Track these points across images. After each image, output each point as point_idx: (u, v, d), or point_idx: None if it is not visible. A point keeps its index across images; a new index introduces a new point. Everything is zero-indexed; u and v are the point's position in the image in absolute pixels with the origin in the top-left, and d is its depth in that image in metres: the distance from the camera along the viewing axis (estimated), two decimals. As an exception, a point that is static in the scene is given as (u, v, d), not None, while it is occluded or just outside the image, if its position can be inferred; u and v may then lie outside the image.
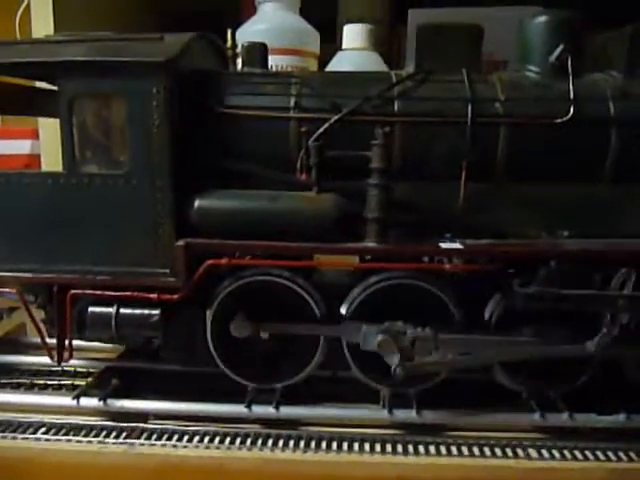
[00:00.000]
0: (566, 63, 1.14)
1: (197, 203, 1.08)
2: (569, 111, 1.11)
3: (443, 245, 1.08)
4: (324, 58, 1.97)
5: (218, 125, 1.13)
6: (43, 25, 1.72)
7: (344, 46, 1.87)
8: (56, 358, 1.20)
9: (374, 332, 1.11)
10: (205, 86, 1.15)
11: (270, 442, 1.15)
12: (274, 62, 1.73)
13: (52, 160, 1.80)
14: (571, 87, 1.12)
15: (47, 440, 1.15)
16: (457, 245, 1.08)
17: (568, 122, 1.11)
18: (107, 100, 1.07)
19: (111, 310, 1.14)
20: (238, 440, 1.15)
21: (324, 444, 1.14)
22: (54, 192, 1.09)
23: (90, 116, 1.07)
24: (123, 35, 1.10)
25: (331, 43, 2.13)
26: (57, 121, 1.74)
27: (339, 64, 1.83)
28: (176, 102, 1.06)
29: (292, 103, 1.13)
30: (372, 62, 1.82)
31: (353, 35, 1.85)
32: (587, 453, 1.12)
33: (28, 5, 1.77)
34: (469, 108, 1.11)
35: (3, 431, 1.17)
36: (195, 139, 1.11)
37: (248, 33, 1.76)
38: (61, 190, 1.09)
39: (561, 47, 1.14)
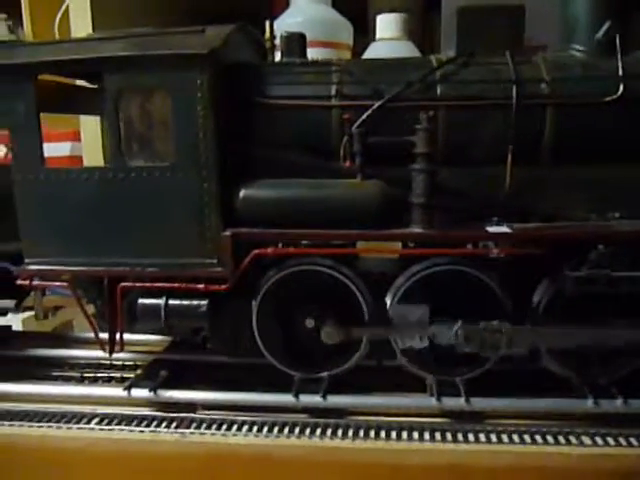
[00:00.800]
0: (613, 40, 1.11)
1: (242, 193, 1.09)
2: (618, 89, 1.08)
3: (490, 229, 1.06)
4: (356, 50, 1.97)
5: (261, 116, 1.13)
6: (82, 27, 1.76)
7: (378, 36, 1.86)
8: (108, 350, 1.22)
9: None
10: (247, 77, 1.15)
11: (318, 431, 1.15)
12: (309, 55, 1.73)
13: (93, 161, 1.84)
14: (619, 64, 1.09)
15: (101, 430, 1.17)
16: (505, 229, 1.06)
17: (617, 100, 1.08)
18: (152, 93, 1.08)
19: (160, 301, 1.15)
20: (286, 429, 1.16)
21: (372, 433, 1.14)
22: (102, 186, 1.11)
23: (135, 110, 1.09)
24: (165, 29, 1.11)
25: (363, 35, 2.12)
26: (97, 122, 1.79)
27: (374, 54, 1.83)
28: (219, 93, 1.07)
29: (333, 91, 1.13)
30: (407, 51, 1.81)
31: (387, 25, 1.84)
32: (644, 440, 1.09)
33: (67, 8, 1.81)
34: (514, 90, 1.09)
35: (58, 421, 1.20)
36: (238, 130, 1.12)
37: (283, 26, 1.74)
38: (109, 184, 1.11)
39: (608, 24, 1.11)
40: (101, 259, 1.14)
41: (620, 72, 1.09)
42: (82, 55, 1.07)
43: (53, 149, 2.19)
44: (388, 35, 1.84)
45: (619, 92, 1.08)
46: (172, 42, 1.06)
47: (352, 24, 1.94)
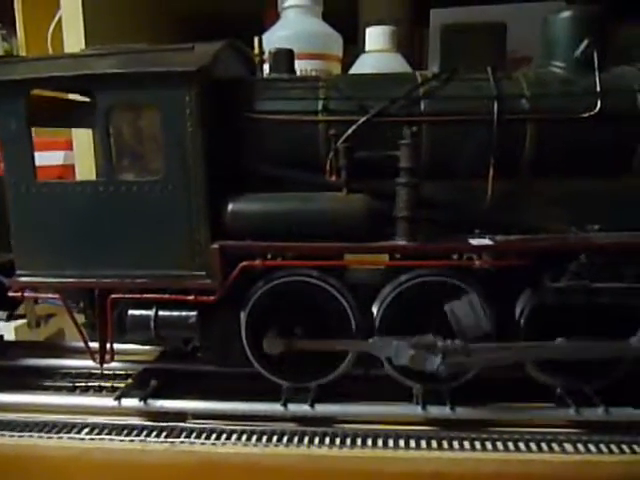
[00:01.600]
0: (592, 57, 1.14)
1: (230, 207, 1.11)
2: (596, 105, 1.11)
3: (473, 242, 1.09)
4: (346, 61, 2.00)
5: (248, 130, 1.15)
6: (75, 39, 1.79)
7: (367, 48, 1.89)
8: (98, 360, 1.23)
9: (404, 347, 1.13)
10: (235, 92, 1.18)
11: (306, 439, 1.17)
12: (298, 67, 1.75)
13: (86, 170, 1.86)
14: (597, 81, 1.12)
15: (91, 440, 1.19)
16: (487, 241, 1.09)
17: (595, 116, 1.11)
18: (142, 109, 1.10)
19: (150, 313, 1.17)
20: (275, 438, 1.18)
21: (359, 441, 1.16)
22: (93, 200, 1.13)
23: (126, 126, 1.11)
24: (155, 47, 1.14)
25: (353, 45, 2.15)
26: (90, 131, 1.81)
27: (362, 67, 1.85)
28: (208, 109, 1.09)
29: (320, 106, 1.16)
30: (395, 64, 1.83)
31: (376, 37, 1.87)
32: (624, 447, 1.12)
33: (59, 21, 1.83)
34: (495, 105, 1.12)
35: (49, 431, 1.22)
36: (227, 145, 1.15)
37: (273, 39, 1.79)
38: (100, 198, 1.12)
39: (586, 41, 1.14)
40: (92, 271, 1.15)
41: (598, 88, 1.11)
42: (73, 72, 1.09)
43: (46, 158, 2.20)
44: (377, 47, 1.86)
45: (597, 108, 1.11)
46: (162, 59, 1.09)
47: (342, 35, 1.96)
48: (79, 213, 1.14)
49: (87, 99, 1.35)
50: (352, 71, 1.84)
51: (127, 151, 1.13)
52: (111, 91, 1.08)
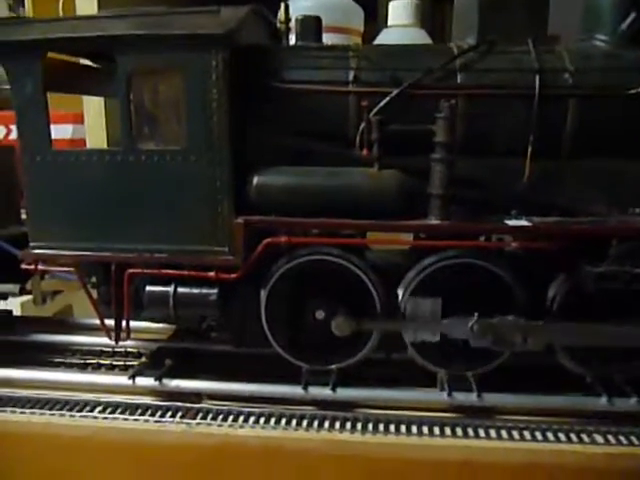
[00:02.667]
0: (638, 31, 1.08)
1: (256, 179, 1.06)
2: (642, 82, 1.05)
3: (509, 222, 1.04)
4: (366, 36, 1.94)
5: (275, 100, 1.10)
6: (87, 4, 1.72)
7: (390, 23, 1.83)
8: (114, 338, 1.19)
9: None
10: (262, 60, 1.12)
11: (327, 424, 1.13)
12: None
13: (96, 143, 1.81)
14: (644, 56, 1.06)
15: (104, 419, 1.15)
16: (524, 222, 1.04)
17: (641, 93, 1.05)
18: (165, 75, 1.05)
19: (169, 289, 1.13)
20: (294, 421, 1.14)
21: (381, 426, 1.13)
22: (111, 170, 1.08)
23: (148, 92, 1.05)
24: (178, 9, 1.07)
25: (373, 21, 2.09)
26: (101, 104, 1.75)
27: (385, 41, 1.79)
28: (234, 76, 1.04)
29: (351, 77, 1.10)
30: (418, 38, 1.78)
31: (399, 11, 1.81)
32: (657, 438, 1.08)
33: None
34: (536, 79, 1.06)
35: (61, 409, 1.18)
36: (253, 115, 1.09)
37: (295, 10, 1.72)
38: (118, 167, 1.07)
39: (633, 15, 1.09)
40: (109, 244, 1.11)
41: (645, 64, 1.06)
42: (92, 33, 1.03)
43: (55, 131, 2.15)
44: (400, 22, 1.80)
45: (644, 85, 1.05)
46: (186, 22, 1.03)
47: (363, 9, 1.90)
48: (96, 183, 1.09)
49: (99, 66, 1.30)
50: (375, 45, 1.78)
51: (148, 119, 1.07)
52: (133, 54, 1.02)
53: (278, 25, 1.28)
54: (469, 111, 1.09)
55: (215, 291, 1.12)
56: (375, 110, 1.06)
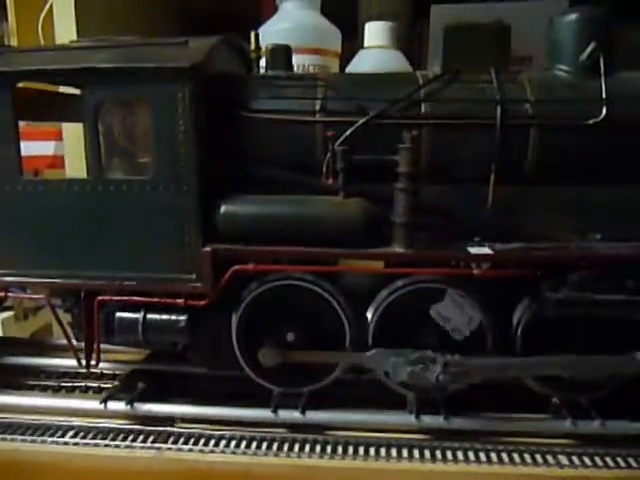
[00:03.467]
0: (598, 62, 1.11)
1: (223, 208, 1.08)
2: (601, 112, 1.08)
3: (472, 250, 1.06)
4: (345, 56, 1.96)
5: (243, 130, 1.12)
6: (66, 29, 1.73)
7: (366, 44, 1.85)
8: (84, 363, 1.20)
9: (402, 363, 1.10)
10: (230, 90, 1.14)
11: (297, 447, 1.14)
12: (296, 61, 1.71)
13: (75, 161, 1.81)
14: (603, 87, 1.09)
15: (75, 444, 1.16)
16: (486, 250, 1.06)
17: (600, 123, 1.08)
18: (132, 106, 1.07)
19: (138, 316, 1.14)
20: (264, 445, 1.15)
21: (351, 449, 1.14)
22: (81, 199, 1.09)
23: (116, 122, 1.07)
24: (148, 40, 1.10)
25: (352, 41, 2.11)
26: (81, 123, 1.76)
27: (361, 63, 1.81)
28: (201, 107, 1.06)
29: (318, 106, 1.12)
30: (394, 60, 1.79)
31: (375, 33, 1.82)
32: (619, 460, 1.10)
33: (51, 8, 1.78)
34: (498, 110, 1.09)
35: (32, 434, 1.19)
36: (221, 144, 1.11)
37: (269, 33, 1.75)
38: (88, 196, 1.09)
39: (593, 45, 1.11)
40: (78, 272, 1.12)
41: (604, 95, 1.08)
42: (61, 65, 1.04)
43: (36, 148, 2.16)
44: (376, 43, 1.82)
45: (602, 115, 1.08)
46: (154, 54, 1.05)
47: (342, 29, 1.92)
48: (66, 212, 1.10)
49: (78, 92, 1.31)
50: (350, 67, 1.80)
51: (117, 149, 1.09)
52: (100, 86, 1.04)
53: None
54: (433, 140, 1.11)
55: (184, 317, 1.13)
56: (340, 140, 1.08)
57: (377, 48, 1.82)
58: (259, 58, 1.27)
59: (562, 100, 1.10)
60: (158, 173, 1.06)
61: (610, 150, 1.10)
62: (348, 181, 1.08)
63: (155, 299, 1.12)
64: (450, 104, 1.11)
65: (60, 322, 1.19)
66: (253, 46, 1.25)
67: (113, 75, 1.03)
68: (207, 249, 1.07)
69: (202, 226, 1.07)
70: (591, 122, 1.08)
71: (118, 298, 1.13)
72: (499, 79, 1.12)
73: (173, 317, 1.13)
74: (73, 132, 1.78)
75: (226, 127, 1.11)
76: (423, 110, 1.11)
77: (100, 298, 1.13)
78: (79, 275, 1.12)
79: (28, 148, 2.17)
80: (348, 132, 1.08)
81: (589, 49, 1.12)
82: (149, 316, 1.14)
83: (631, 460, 1.10)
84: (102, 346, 1.30)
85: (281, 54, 1.21)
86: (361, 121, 1.09)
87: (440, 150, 1.11)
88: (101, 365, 1.41)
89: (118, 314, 1.14)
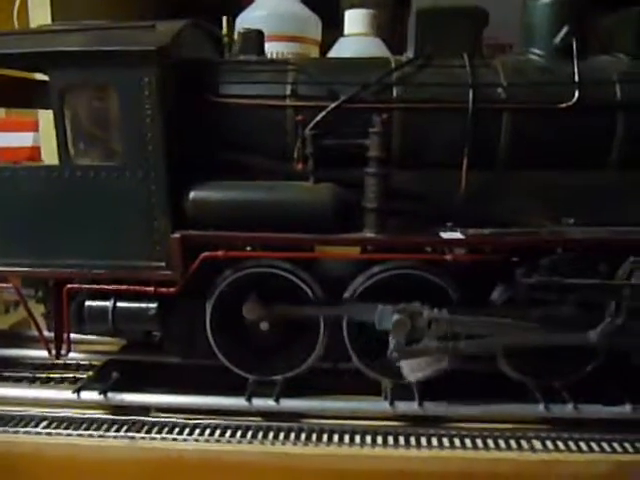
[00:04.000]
0: (571, 46, 1.10)
1: (192, 195, 1.06)
2: (573, 95, 1.07)
3: (444, 235, 1.05)
4: (328, 44, 1.94)
5: (213, 115, 1.10)
6: (41, 14, 1.71)
7: (346, 32, 1.84)
8: (54, 352, 1.19)
9: (390, 312, 1.09)
10: (199, 75, 1.12)
11: (271, 435, 1.14)
12: (274, 49, 1.70)
13: (52, 151, 1.79)
14: (576, 70, 1.08)
15: (48, 434, 1.15)
16: (458, 235, 1.05)
17: (572, 107, 1.07)
18: (99, 91, 1.05)
19: (108, 304, 1.13)
20: (239, 433, 1.15)
21: (325, 437, 1.13)
22: (48, 186, 1.08)
23: (82, 107, 1.05)
24: (115, 24, 1.08)
25: (335, 29, 2.09)
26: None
27: (341, 50, 1.80)
28: (169, 91, 1.04)
29: (288, 91, 1.11)
30: (374, 48, 1.78)
31: (355, 21, 1.82)
32: (592, 444, 1.10)
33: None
34: (470, 94, 1.08)
35: (5, 425, 1.17)
36: (190, 129, 1.09)
37: (248, 20, 1.73)
38: (55, 183, 1.07)
39: (565, 29, 1.10)
40: (47, 260, 1.10)
41: (576, 78, 1.08)
42: (25, 49, 1.03)
43: (15, 139, 2.13)
44: (356, 31, 1.81)
45: (574, 98, 1.07)
46: (120, 38, 1.03)
47: (324, 18, 1.90)
48: (33, 199, 1.08)
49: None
50: (330, 55, 1.79)
51: (83, 134, 1.07)
52: (65, 70, 1.02)
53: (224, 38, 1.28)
54: (405, 124, 1.10)
55: (154, 305, 1.12)
56: (311, 125, 1.07)
57: (357, 36, 1.81)
58: (231, 43, 1.25)
59: (534, 84, 1.09)
60: (125, 159, 1.04)
61: (582, 133, 1.09)
62: (318, 166, 1.07)
63: (124, 287, 1.10)
64: (422, 88, 1.10)
65: (29, 311, 1.17)
66: (225, 31, 1.24)
67: (78, 59, 1.01)
68: (176, 235, 1.06)
69: (171, 212, 1.06)
70: (563, 105, 1.07)
71: (87, 286, 1.11)
72: (472, 63, 1.11)
73: (143, 305, 1.12)
74: (49, 122, 1.76)
75: (195, 112, 1.10)
76: (395, 94, 1.10)
77: (69, 286, 1.11)
78: (48, 263, 1.10)
79: (6, 139, 2.15)
80: (319, 117, 1.07)
81: (562, 33, 1.11)
82: (119, 304, 1.13)
83: (604, 444, 1.10)
84: (79, 337, 1.30)
85: (253, 39, 1.19)
86: (332, 105, 1.08)
87: (412, 134, 1.10)
88: (77, 356, 1.42)
89: (88, 303, 1.13)
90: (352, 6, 1.90)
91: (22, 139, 2.14)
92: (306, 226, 1.05)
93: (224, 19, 1.24)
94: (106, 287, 1.11)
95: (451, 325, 1.06)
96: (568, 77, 1.09)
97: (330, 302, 1.14)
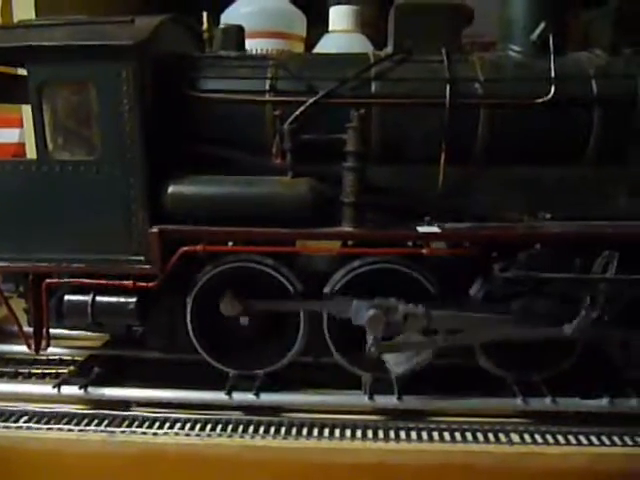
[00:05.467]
0: (548, 42, 1.11)
1: (171, 189, 1.07)
2: (550, 91, 1.08)
3: (420, 229, 1.06)
4: (312, 41, 1.94)
5: (192, 109, 1.11)
6: (25, 10, 1.70)
7: (330, 28, 1.85)
8: (33, 347, 1.19)
9: (365, 307, 1.10)
10: (178, 70, 1.13)
11: (251, 429, 1.14)
12: (259, 45, 1.70)
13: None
14: (552, 66, 1.09)
15: (28, 428, 1.15)
16: (434, 229, 1.06)
17: (549, 102, 1.08)
18: (77, 85, 1.04)
19: (87, 298, 1.13)
20: (219, 427, 1.15)
21: (305, 431, 1.14)
22: (27, 180, 1.08)
23: (60, 102, 1.05)
24: (94, 19, 1.08)
25: (321, 26, 2.09)
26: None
27: (325, 47, 1.81)
28: (147, 86, 1.04)
29: (267, 86, 1.11)
30: (358, 44, 1.79)
31: (339, 17, 1.82)
32: (570, 437, 1.11)
33: None
34: (447, 89, 1.08)
35: (-15, 420, 1.18)
36: (169, 124, 1.10)
37: (233, 16, 1.73)
38: (33, 178, 1.07)
39: (542, 25, 1.11)
40: (26, 254, 1.10)
41: (552, 74, 1.08)
42: (5, 44, 1.03)
43: (1, 135, 2.13)
44: (340, 27, 1.82)
45: (550, 94, 1.08)
46: (99, 32, 1.03)
47: (310, 14, 1.91)
48: (12, 194, 1.08)
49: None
50: (315, 51, 1.79)
51: (62, 129, 1.07)
52: (44, 65, 1.02)
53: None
54: (384, 119, 1.11)
55: (133, 300, 1.12)
56: (290, 119, 1.07)
57: (341, 32, 1.82)
58: (211, 39, 1.25)
59: (511, 79, 1.10)
60: (104, 153, 1.05)
61: (558, 129, 1.10)
62: (297, 161, 1.07)
63: (104, 281, 1.10)
64: (400, 83, 1.10)
65: (9, 306, 1.17)
66: (205, 26, 1.24)
67: (56, 53, 1.01)
68: (154, 230, 1.06)
69: (149, 207, 1.06)
70: (540, 101, 1.08)
71: (66, 280, 1.11)
72: (450, 58, 1.12)
73: (122, 299, 1.12)
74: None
75: (175, 107, 1.10)
76: (373, 89, 1.11)
77: (48, 281, 1.11)
78: (26, 258, 1.10)
79: (-8, 136, 2.14)
80: (297, 111, 1.07)
81: (539, 29, 1.12)
82: (98, 299, 1.13)
83: (582, 437, 1.11)
84: (62, 333, 1.31)
85: (233, 34, 1.20)
86: (311, 100, 1.08)
87: (390, 129, 1.11)
88: (59, 351, 1.42)
89: (67, 297, 1.13)
90: (338, 3, 1.90)
91: (8, 135, 2.13)
92: (284, 220, 1.06)
93: (204, 15, 1.24)
94: (85, 281, 1.10)
95: (427, 320, 1.07)
96: (545, 73, 1.10)
97: (306, 298, 1.14)
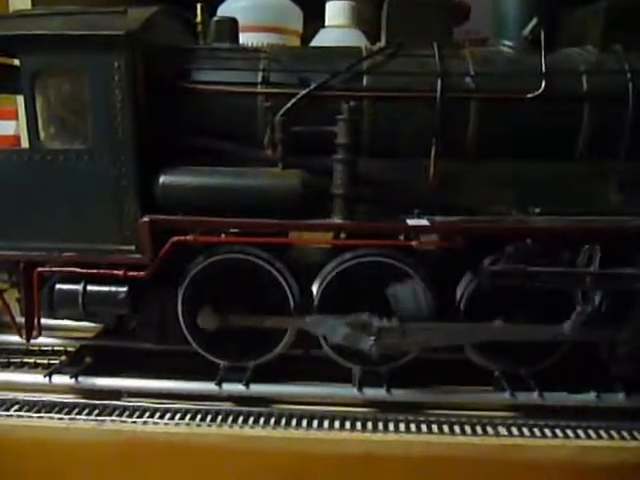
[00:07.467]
0: (539, 37, 1.12)
1: (162, 179, 1.07)
2: (540, 86, 1.09)
3: (410, 222, 1.07)
4: (311, 36, 1.95)
5: (184, 100, 1.11)
6: (21, 1, 1.70)
7: (327, 23, 1.85)
8: (25, 336, 1.19)
9: (340, 325, 1.11)
10: (171, 61, 1.13)
11: (240, 419, 1.15)
12: (255, 39, 1.70)
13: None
14: (543, 61, 1.10)
15: (19, 417, 1.15)
16: (424, 222, 1.06)
17: (539, 97, 1.09)
18: (69, 75, 1.05)
19: (78, 287, 1.13)
20: (209, 417, 1.16)
21: (294, 421, 1.15)
22: (19, 169, 1.08)
23: (53, 91, 1.06)
24: (86, 9, 1.08)
25: (318, 21, 2.10)
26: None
27: (321, 42, 1.80)
28: (139, 76, 1.05)
29: (260, 78, 1.12)
30: (354, 39, 1.79)
31: (335, 12, 1.82)
32: (557, 431, 1.12)
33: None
34: (439, 82, 1.09)
35: (-25, 408, 1.18)
36: (160, 115, 1.10)
37: (229, 10, 1.73)
38: (25, 167, 1.08)
39: (534, 21, 1.12)
40: (18, 243, 1.11)
41: (543, 69, 1.09)
42: (-3, 33, 1.03)
43: (-2, 127, 2.13)
44: (336, 22, 1.82)
45: (541, 89, 1.08)
46: (91, 22, 1.03)
47: (307, 10, 1.91)
48: (4, 182, 1.09)
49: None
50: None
51: (54, 118, 1.07)
52: (36, 54, 1.02)
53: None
54: (375, 113, 1.11)
55: (124, 289, 1.13)
56: (282, 111, 1.08)
57: (337, 28, 1.82)
58: (205, 32, 1.26)
59: (502, 74, 1.11)
60: (95, 143, 1.05)
61: (549, 124, 1.10)
62: (288, 152, 1.08)
63: (95, 270, 1.11)
64: (391, 77, 1.11)
65: (0, 294, 1.17)
66: (199, 18, 1.24)
67: (49, 43, 1.02)
68: (145, 219, 1.06)
69: (141, 196, 1.06)
70: (530, 96, 1.09)
71: (57, 269, 1.12)
72: (441, 53, 1.12)
73: (113, 289, 1.13)
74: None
75: (167, 98, 1.11)
76: (365, 83, 1.11)
77: (39, 270, 1.12)
78: (17, 247, 1.11)
79: (-11, 128, 2.14)
80: (289, 104, 1.08)
81: (531, 25, 1.13)
82: (89, 288, 1.13)
83: (568, 431, 1.12)
84: (55, 323, 1.31)
85: (226, 27, 1.20)
86: (302, 93, 1.08)
87: (382, 123, 1.12)
88: (52, 341, 1.42)
89: (58, 286, 1.14)
90: (335, -2, 1.91)
91: (4, 127, 2.13)
92: (274, 211, 1.06)
93: (198, 7, 1.24)
94: (76, 270, 1.11)
95: (402, 333, 1.08)
96: (536, 68, 1.11)
97: (285, 314, 1.15)
